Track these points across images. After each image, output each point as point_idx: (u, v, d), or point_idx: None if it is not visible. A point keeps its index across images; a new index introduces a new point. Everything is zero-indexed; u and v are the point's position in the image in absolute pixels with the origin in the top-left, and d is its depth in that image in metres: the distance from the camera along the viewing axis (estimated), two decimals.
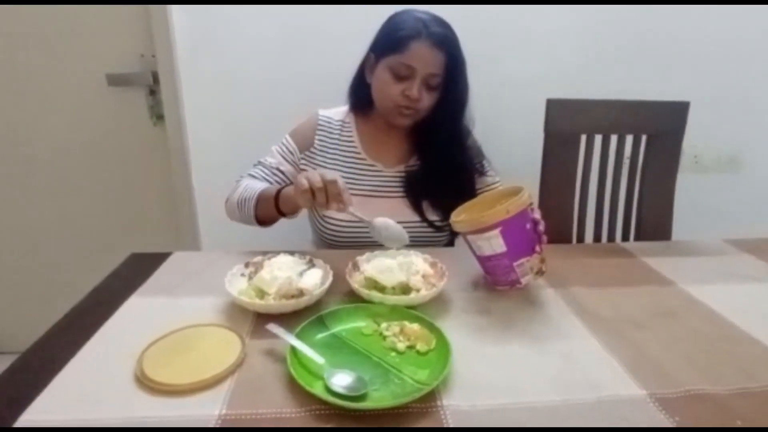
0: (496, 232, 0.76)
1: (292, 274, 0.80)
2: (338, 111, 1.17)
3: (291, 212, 1.01)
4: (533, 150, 1.23)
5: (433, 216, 1.11)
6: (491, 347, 0.72)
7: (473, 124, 1.13)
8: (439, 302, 0.82)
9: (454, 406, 0.59)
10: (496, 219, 0.76)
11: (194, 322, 0.74)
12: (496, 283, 0.83)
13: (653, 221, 1.16)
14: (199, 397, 0.60)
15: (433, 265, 0.88)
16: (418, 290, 0.81)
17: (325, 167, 1.12)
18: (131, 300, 0.83)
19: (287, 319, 0.75)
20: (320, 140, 1.14)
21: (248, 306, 0.75)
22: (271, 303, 0.76)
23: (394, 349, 0.69)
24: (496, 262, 0.78)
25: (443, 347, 0.68)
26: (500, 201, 0.79)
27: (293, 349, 0.66)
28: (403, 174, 1.11)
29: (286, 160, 1.15)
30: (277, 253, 0.88)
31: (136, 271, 0.93)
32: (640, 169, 1.14)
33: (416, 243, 0.95)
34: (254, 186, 1.06)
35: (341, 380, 0.61)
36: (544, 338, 0.74)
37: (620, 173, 1.16)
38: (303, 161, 1.14)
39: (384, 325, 0.74)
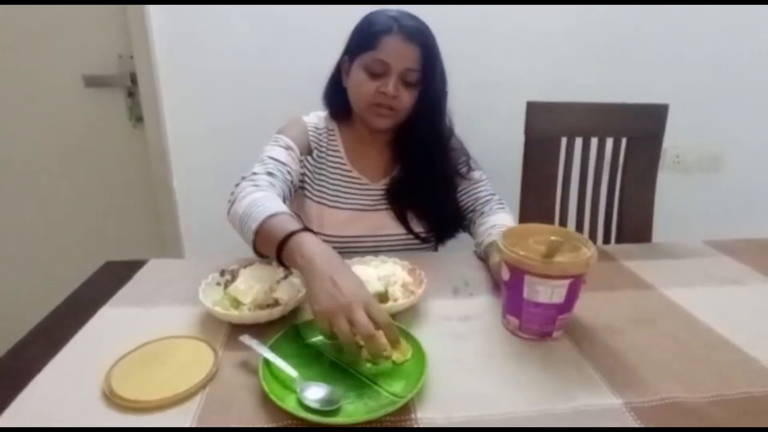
0: (566, 282, 0.69)
1: (268, 283, 0.79)
2: (319, 117, 1.14)
3: (289, 266, 0.78)
4: (514, 153, 1.23)
5: (418, 227, 1.10)
6: (469, 356, 0.71)
7: (453, 124, 1.12)
8: (417, 310, 0.81)
9: (428, 419, 0.58)
10: (575, 271, 0.69)
11: (167, 334, 0.72)
12: (527, 330, 0.73)
13: (634, 223, 1.16)
14: (168, 413, 0.58)
15: (411, 272, 0.87)
16: (395, 300, 0.80)
17: (315, 181, 1.09)
18: (103, 310, 0.81)
19: (263, 329, 0.74)
20: (315, 149, 1.10)
21: (222, 317, 0.74)
22: (245, 314, 0.74)
23: (370, 360, 0.68)
24: (544, 311, 0.71)
25: (419, 357, 0.67)
26: (546, 237, 0.74)
27: (266, 362, 0.64)
28: (387, 187, 1.10)
29: (293, 159, 1.04)
30: (253, 261, 0.86)
31: (110, 279, 0.91)
32: (620, 171, 1.15)
33: (399, 252, 0.93)
34: (265, 204, 0.84)
35: (314, 394, 0.60)
36: (522, 346, 0.74)
37: (601, 176, 1.17)
38: (302, 165, 1.08)
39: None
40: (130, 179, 1.77)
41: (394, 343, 0.64)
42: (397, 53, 0.98)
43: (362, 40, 1.01)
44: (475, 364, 0.69)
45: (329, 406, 0.58)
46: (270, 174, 0.98)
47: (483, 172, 1.15)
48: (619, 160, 1.14)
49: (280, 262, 0.77)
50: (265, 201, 0.85)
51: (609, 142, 1.15)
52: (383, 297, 0.80)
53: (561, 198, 1.16)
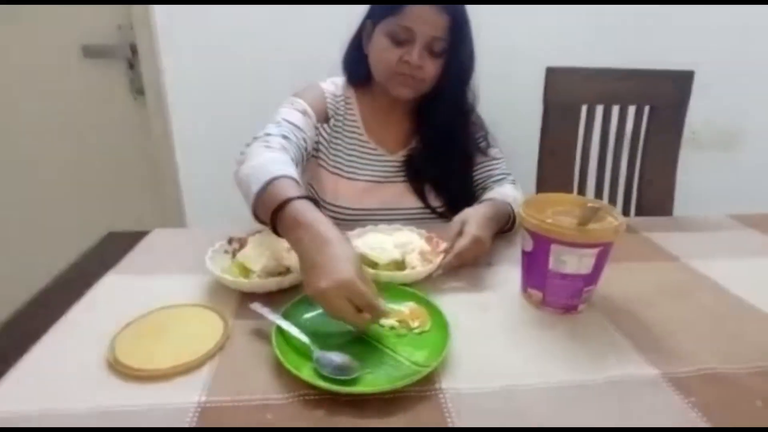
0: (595, 251, 0.65)
1: (278, 250, 0.75)
2: (336, 84, 1.08)
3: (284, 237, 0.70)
4: (530, 123, 1.18)
5: (434, 201, 1.05)
6: (492, 327, 0.67)
7: (478, 99, 1.07)
8: (435, 279, 0.77)
9: (454, 390, 0.55)
10: (606, 238, 0.65)
11: (173, 303, 0.68)
12: (552, 303, 0.69)
13: (655, 196, 1.12)
14: (176, 383, 0.55)
15: (428, 240, 0.83)
16: (413, 267, 0.76)
17: (331, 151, 1.04)
18: (105, 279, 0.77)
19: (274, 298, 0.70)
20: (332, 117, 1.04)
21: (232, 285, 0.70)
22: (256, 281, 0.70)
23: (389, 329, 0.65)
24: (570, 282, 0.67)
25: (441, 326, 0.63)
26: (568, 207, 0.71)
27: (279, 330, 0.61)
28: (405, 158, 1.05)
29: (309, 125, 0.98)
30: (262, 229, 0.82)
31: (113, 249, 0.88)
32: (642, 141, 1.10)
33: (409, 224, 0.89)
34: (274, 166, 0.76)
35: (331, 362, 0.56)
36: (547, 317, 0.70)
37: (621, 146, 1.12)
38: (317, 133, 1.02)
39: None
40: (131, 153, 1.72)
41: (377, 320, 0.62)
42: (424, 20, 0.92)
43: (387, 4, 0.95)
44: (499, 334, 0.66)
45: (347, 375, 0.54)
46: (285, 137, 0.91)
47: (500, 151, 1.11)
48: (641, 129, 1.09)
49: (275, 232, 0.70)
50: (274, 163, 0.79)
51: (631, 111, 1.10)
52: (400, 265, 0.76)
53: (580, 169, 1.11)
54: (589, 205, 0.65)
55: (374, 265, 0.76)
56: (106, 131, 1.69)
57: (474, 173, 1.09)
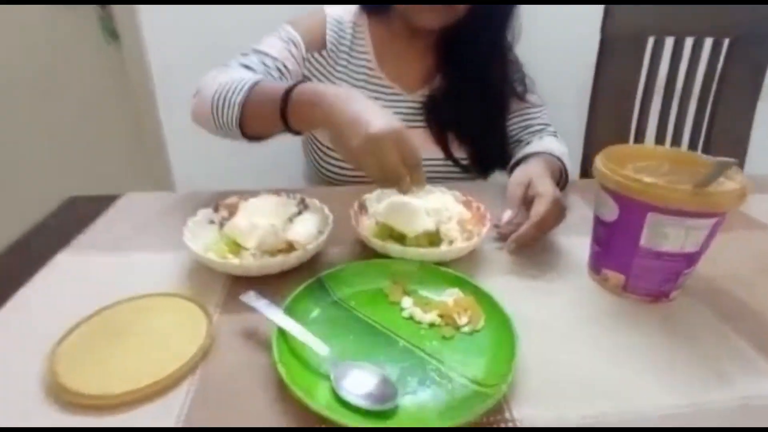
0: (710, 223, 0.49)
1: (277, 220, 0.58)
2: (346, 9, 0.88)
3: (305, 129, 0.65)
4: (577, 64, 0.97)
5: (459, 152, 0.87)
6: (561, 321, 0.51)
7: (519, 35, 0.86)
8: (477, 256, 0.61)
9: (529, 417, 0.39)
10: (723, 206, 0.48)
11: (140, 292, 0.52)
12: (637, 289, 0.54)
13: (724, 151, 0.93)
14: (140, 412, 0.39)
15: (467, 204, 0.65)
16: (451, 241, 0.59)
17: (331, 83, 0.85)
18: (58, 258, 0.60)
19: (273, 283, 0.54)
20: (331, 44, 0.85)
21: (218, 267, 0.53)
22: (249, 262, 0.54)
23: (429, 326, 0.48)
24: (668, 263, 0.51)
25: (500, 323, 0.47)
26: (655, 162, 0.56)
27: (281, 332, 0.44)
28: (425, 99, 0.86)
29: (292, 55, 0.82)
30: (257, 192, 0.65)
31: (73, 218, 0.70)
32: (716, 83, 0.90)
33: (439, 181, 0.71)
34: (246, 77, 0.68)
35: (358, 383, 0.40)
36: (631, 307, 0.54)
37: (691, 90, 0.92)
38: (307, 64, 0.85)
39: (413, 289, 0.53)
40: (106, 106, 1.52)
41: (418, 185, 0.56)
42: None
43: None
44: (573, 331, 0.50)
45: (382, 404, 0.38)
46: (247, 68, 0.76)
47: (540, 98, 0.91)
48: (716, 68, 0.89)
49: (287, 127, 0.62)
50: (246, 75, 0.69)
51: (707, 44, 0.89)
52: (434, 238, 0.59)
53: (639, 117, 0.92)
54: (719, 159, 0.47)
55: (401, 238, 0.59)
56: (76, 83, 1.49)
57: (508, 122, 0.90)
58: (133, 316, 0.48)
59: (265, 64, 0.78)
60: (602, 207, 0.54)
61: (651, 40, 0.88)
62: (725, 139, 0.93)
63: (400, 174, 0.53)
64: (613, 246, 0.54)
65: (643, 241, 0.50)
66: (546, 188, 0.62)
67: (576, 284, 0.57)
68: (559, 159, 0.79)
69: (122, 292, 0.51)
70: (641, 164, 0.56)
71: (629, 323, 0.51)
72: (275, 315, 0.46)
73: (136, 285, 0.53)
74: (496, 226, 0.63)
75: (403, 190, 0.55)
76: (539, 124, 0.89)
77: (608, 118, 0.90)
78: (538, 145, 0.83)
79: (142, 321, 0.48)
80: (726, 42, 0.88)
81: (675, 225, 0.48)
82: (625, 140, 0.92)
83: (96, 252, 0.62)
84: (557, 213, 0.62)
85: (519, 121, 0.89)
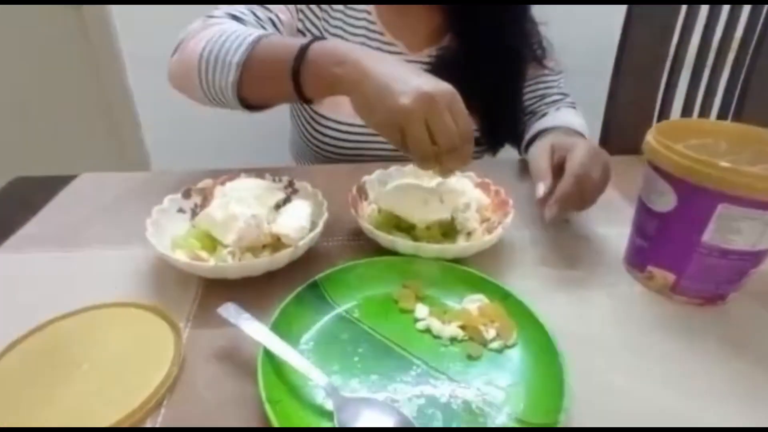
0: None
1: (261, 209, 0.47)
2: None
3: (323, 95, 0.54)
4: (602, 21, 0.87)
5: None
6: (609, 332, 0.43)
7: None
8: (499, 250, 0.52)
9: None
10: None
11: (93, 301, 0.42)
12: (690, 291, 0.45)
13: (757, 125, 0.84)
14: None
15: (484, 187, 0.56)
16: (469, 233, 0.50)
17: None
18: None
19: (257, 287, 0.44)
20: None
21: (188, 269, 0.43)
22: (228, 263, 0.44)
23: (450, 341, 0.40)
24: (734, 262, 0.43)
25: (535, 339, 0.39)
26: (713, 139, 0.47)
27: (268, 355, 0.35)
28: (432, 60, 0.74)
29: (285, 5, 0.70)
30: (236, 172, 0.54)
31: (15, 206, 0.59)
32: (750, 54, 0.80)
33: None
34: (242, 31, 0.56)
35: (369, 424, 0.31)
36: (686, 311, 0.46)
37: (724, 62, 0.82)
38: (300, 16, 0.72)
39: (427, 294, 0.44)
40: (69, 78, 1.37)
41: (465, 163, 0.46)
42: None
43: None
44: (619, 344, 0.41)
45: None
46: (236, 19, 0.64)
47: (558, 63, 0.80)
48: (753, 36, 0.79)
49: (299, 93, 0.52)
50: (242, 29, 0.58)
51: (745, 11, 0.79)
52: (448, 229, 0.50)
53: (665, 88, 0.82)
54: None
55: (409, 229, 0.50)
56: (36, 52, 1.33)
57: (524, 90, 0.80)
58: (81, 335, 0.39)
59: (255, 15, 0.65)
60: (653, 194, 0.45)
61: (684, 8, 0.77)
62: (759, 111, 0.84)
63: (455, 145, 0.43)
64: (666, 241, 0.45)
65: (708, 237, 0.42)
66: (577, 141, 0.53)
67: (614, 283, 0.49)
68: (580, 135, 0.69)
69: (69, 301, 0.41)
70: (694, 142, 0.47)
71: (683, 332, 0.43)
72: (260, 332, 0.36)
73: (87, 291, 0.43)
74: (540, 201, 0.52)
75: (448, 170, 0.47)
76: (557, 94, 0.79)
77: (632, 90, 0.80)
78: (555, 118, 0.73)
79: (93, 341, 0.38)
80: (765, 9, 0.78)
81: (753, 219, 0.39)
82: (650, 114, 0.82)
83: (38, 247, 0.51)
84: (599, 164, 0.51)
85: (535, 90, 0.79)
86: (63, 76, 1.37)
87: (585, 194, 0.49)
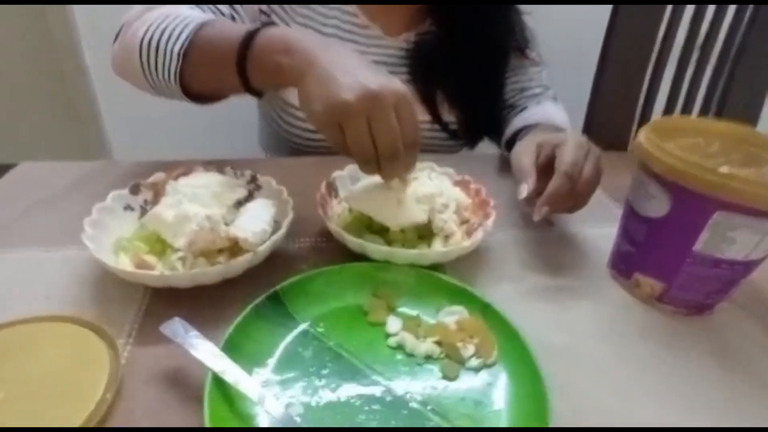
0: None
1: (218, 208, 0.43)
2: None
3: (269, 88, 0.52)
4: (588, 15, 0.83)
5: (448, 115, 0.72)
6: (594, 352, 0.40)
7: None
8: (477, 255, 0.48)
9: None
10: None
11: (21, 313, 0.36)
12: (677, 300, 0.43)
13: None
14: None
15: (463, 186, 0.52)
16: (447, 236, 0.46)
17: (295, 24, 0.66)
18: None
19: (211, 297, 0.40)
20: None
21: (132, 278, 0.38)
22: (176, 271, 0.39)
23: (425, 359, 0.36)
24: (725, 272, 0.40)
25: (516, 357, 0.35)
26: (708, 139, 0.44)
27: (217, 383, 0.31)
28: (411, 46, 0.69)
29: None
30: (192, 164, 0.49)
31: None
32: (732, 56, 0.78)
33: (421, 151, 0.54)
34: (187, 14, 0.53)
35: None
36: (673, 322, 0.43)
37: (708, 57, 0.79)
38: None
39: (400, 305, 0.40)
40: (24, 60, 1.26)
41: (408, 170, 0.43)
42: None
43: None
44: (606, 360, 0.39)
45: None
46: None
47: (540, 55, 0.77)
48: (736, 37, 0.77)
49: (246, 84, 0.47)
50: (187, 12, 0.53)
51: (730, 12, 0.77)
52: (424, 232, 0.46)
53: (649, 87, 0.79)
54: None
55: (383, 230, 0.46)
56: None
57: (505, 81, 0.76)
58: (4, 355, 0.33)
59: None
60: (644, 198, 0.42)
61: (669, 8, 0.74)
62: (739, 111, 0.82)
63: (396, 150, 0.39)
64: (655, 248, 0.42)
65: (700, 246, 0.39)
66: (566, 137, 0.49)
67: (598, 290, 0.46)
68: (563, 131, 0.66)
69: None
70: (686, 141, 0.45)
71: (671, 344, 0.40)
72: (208, 355, 0.32)
73: (14, 300, 0.38)
74: (525, 201, 0.48)
75: (391, 176, 0.42)
76: (538, 86, 0.75)
77: (617, 83, 0.77)
78: (536, 112, 0.70)
79: (17, 362, 0.33)
80: (749, 9, 0.76)
81: (749, 228, 0.36)
82: (633, 110, 0.79)
83: None
84: (591, 160, 0.47)
85: (516, 81, 0.75)
86: (14, 56, 1.26)
87: (577, 193, 0.46)
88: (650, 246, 0.43)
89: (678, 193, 0.39)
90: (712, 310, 0.44)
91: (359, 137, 0.38)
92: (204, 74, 0.51)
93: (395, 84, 0.39)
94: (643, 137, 0.41)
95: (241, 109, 0.83)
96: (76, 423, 0.29)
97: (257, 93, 0.49)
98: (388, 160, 0.39)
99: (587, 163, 0.46)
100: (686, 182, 0.37)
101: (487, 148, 0.79)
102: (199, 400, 0.30)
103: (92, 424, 0.30)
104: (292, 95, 0.68)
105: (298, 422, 0.30)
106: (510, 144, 0.65)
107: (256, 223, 0.41)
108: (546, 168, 0.48)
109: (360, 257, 0.43)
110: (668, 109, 0.84)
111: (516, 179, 0.51)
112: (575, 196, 0.46)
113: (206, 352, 0.32)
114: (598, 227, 0.53)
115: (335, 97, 0.37)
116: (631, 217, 0.44)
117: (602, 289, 0.46)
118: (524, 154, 0.51)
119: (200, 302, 0.39)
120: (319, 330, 0.38)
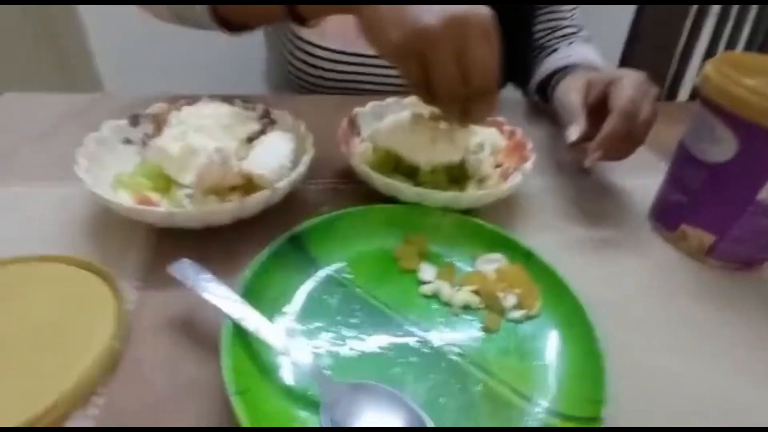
0: None
1: (228, 141, 0.38)
2: None
3: (322, 14, 0.43)
4: None
5: None
6: (643, 308, 0.36)
7: None
8: (513, 201, 0.44)
9: None
10: None
11: (12, 252, 0.32)
12: (730, 254, 0.39)
13: None
14: None
15: (497, 126, 0.47)
16: (481, 179, 0.42)
17: None
18: None
19: (222, 241, 0.36)
20: None
21: (133, 215, 0.34)
22: (185, 209, 0.35)
23: (462, 309, 0.33)
24: None
25: (562, 308, 0.32)
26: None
27: (237, 331, 0.27)
28: None
29: None
30: (198, 97, 0.44)
31: None
32: None
33: None
34: None
35: (366, 422, 0.24)
36: (722, 277, 0.40)
37: (744, 22, 0.72)
38: None
39: (434, 251, 0.36)
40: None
41: (491, 113, 0.38)
42: None
43: None
44: (658, 317, 0.35)
45: None
46: None
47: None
48: None
49: (291, 11, 0.41)
50: None
51: None
52: (457, 174, 0.42)
53: (689, 31, 0.73)
54: None
55: (411, 171, 0.41)
56: None
57: (534, 20, 0.69)
58: None
59: None
60: (706, 140, 0.37)
61: None
62: None
63: (489, 86, 0.34)
64: (712, 196, 0.38)
65: (765, 194, 0.35)
66: (622, 72, 0.44)
67: (640, 243, 0.42)
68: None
69: None
70: (750, 82, 0.40)
71: (722, 302, 0.37)
72: (225, 299, 0.28)
73: (5, 240, 0.34)
74: (572, 145, 0.43)
75: (478, 120, 0.38)
76: (570, 26, 0.69)
77: (656, 25, 0.70)
78: (570, 54, 0.64)
79: (9, 307, 0.29)
80: None
81: None
82: (671, 53, 0.73)
83: None
84: (649, 100, 0.42)
85: (546, 20, 0.69)
86: None
87: (633, 135, 0.41)
88: (706, 194, 0.39)
89: (749, 134, 0.34)
90: (761, 266, 0.41)
91: (447, 69, 0.33)
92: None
93: (480, 9, 0.33)
94: (711, 71, 0.36)
95: (245, 45, 0.77)
96: (82, 371, 0.26)
97: (303, 20, 0.43)
98: (481, 98, 0.35)
99: (645, 103, 0.41)
100: (763, 120, 0.33)
101: (509, 92, 0.73)
102: (214, 349, 0.27)
103: (96, 374, 0.26)
104: (305, 31, 0.62)
105: (328, 375, 0.27)
106: (542, 88, 0.60)
107: (274, 158, 0.37)
108: (596, 108, 0.43)
109: (386, 200, 0.39)
110: (709, 54, 0.78)
111: (561, 121, 0.46)
112: (631, 139, 0.42)
113: (222, 296, 0.28)
114: (637, 178, 0.49)
115: (417, 22, 0.32)
116: (687, 162, 0.40)
117: (644, 241, 0.43)
118: (572, 92, 0.46)
119: (211, 245, 0.35)
120: (346, 276, 0.34)
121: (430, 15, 0.32)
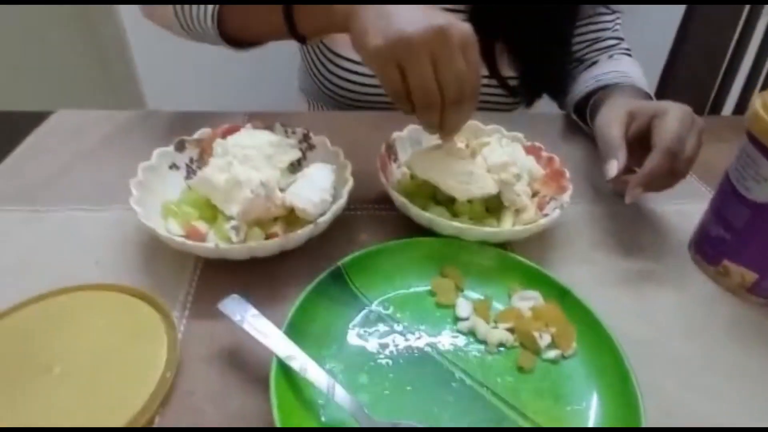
0: None
1: (271, 170, 0.39)
2: None
3: (318, 31, 0.44)
4: None
5: (507, 70, 0.65)
6: (680, 347, 0.36)
7: None
8: (551, 234, 0.44)
9: None
10: None
11: (62, 282, 0.34)
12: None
13: None
14: None
15: (534, 153, 0.47)
16: (517, 210, 0.42)
17: None
18: None
19: (265, 269, 0.37)
20: None
21: (182, 248, 0.36)
22: (231, 245, 0.36)
23: (497, 348, 0.33)
24: None
25: (597, 348, 0.32)
26: None
27: (283, 369, 0.29)
28: None
29: None
30: (236, 117, 0.45)
31: None
32: None
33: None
34: None
35: None
36: (762, 312, 0.39)
37: None
38: None
39: (469, 286, 0.37)
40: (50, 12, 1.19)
41: (464, 124, 0.39)
42: None
43: None
44: (694, 355, 0.35)
45: None
46: None
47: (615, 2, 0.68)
48: None
49: (291, 27, 0.43)
50: None
51: None
52: (492, 205, 0.42)
53: (737, 41, 0.70)
54: None
55: (447, 201, 0.42)
56: None
57: (575, 31, 0.68)
58: (51, 328, 0.32)
59: None
60: (752, 178, 0.37)
61: None
62: None
63: (464, 96, 0.35)
64: (756, 236, 0.38)
65: None
66: (667, 106, 0.43)
67: (679, 276, 0.42)
68: (646, 95, 0.59)
69: (35, 280, 0.34)
70: None
71: (763, 342, 0.37)
72: (273, 338, 0.30)
73: (60, 266, 0.36)
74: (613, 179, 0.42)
75: (452, 128, 0.39)
76: (611, 38, 0.68)
77: (704, 36, 0.68)
78: (611, 69, 0.62)
79: (66, 336, 0.31)
80: None
81: None
82: (718, 68, 0.71)
83: None
84: (695, 135, 0.41)
85: (586, 32, 0.68)
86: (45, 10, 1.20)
87: (676, 170, 0.41)
88: (750, 233, 0.38)
89: None
90: None
91: (423, 77, 0.34)
92: (244, 16, 0.47)
93: (461, 23, 0.35)
94: (760, 107, 0.36)
95: (279, 56, 0.77)
96: (139, 402, 0.28)
97: (301, 37, 0.44)
98: (454, 107, 0.36)
99: (690, 138, 0.41)
100: None
101: (545, 106, 0.72)
102: (261, 382, 0.28)
103: (155, 405, 0.28)
104: (337, 44, 0.63)
105: (367, 414, 0.28)
106: (579, 107, 0.59)
107: (316, 191, 0.38)
108: (640, 141, 0.43)
109: (423, 229, 0.40)
110: (755, 68, 0.75)
111: (601, 153, 0.46)
112: (674, 175, 0.41)
113: (269, 334, 0.30)
114: (678, 203, 0.48)
115: (397, 30, 0.33)
116: (731, 197, 0.39)
117: (684, 275, 0.42)
118: (613, 124, 0.45)
119: (255, 273, 0.37)
120: (385, 312, 0.35)
121: (413, 25, 0.33)
